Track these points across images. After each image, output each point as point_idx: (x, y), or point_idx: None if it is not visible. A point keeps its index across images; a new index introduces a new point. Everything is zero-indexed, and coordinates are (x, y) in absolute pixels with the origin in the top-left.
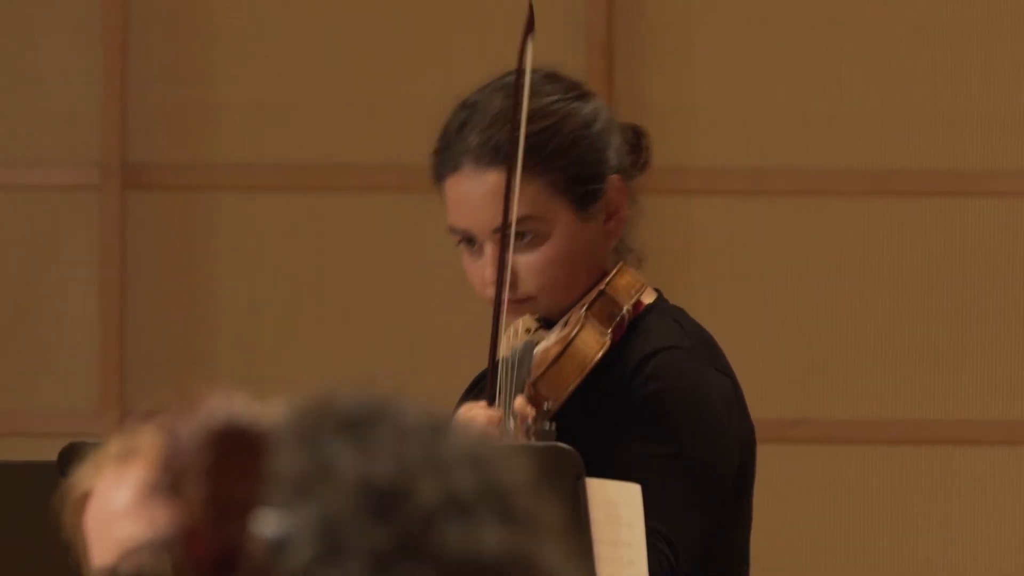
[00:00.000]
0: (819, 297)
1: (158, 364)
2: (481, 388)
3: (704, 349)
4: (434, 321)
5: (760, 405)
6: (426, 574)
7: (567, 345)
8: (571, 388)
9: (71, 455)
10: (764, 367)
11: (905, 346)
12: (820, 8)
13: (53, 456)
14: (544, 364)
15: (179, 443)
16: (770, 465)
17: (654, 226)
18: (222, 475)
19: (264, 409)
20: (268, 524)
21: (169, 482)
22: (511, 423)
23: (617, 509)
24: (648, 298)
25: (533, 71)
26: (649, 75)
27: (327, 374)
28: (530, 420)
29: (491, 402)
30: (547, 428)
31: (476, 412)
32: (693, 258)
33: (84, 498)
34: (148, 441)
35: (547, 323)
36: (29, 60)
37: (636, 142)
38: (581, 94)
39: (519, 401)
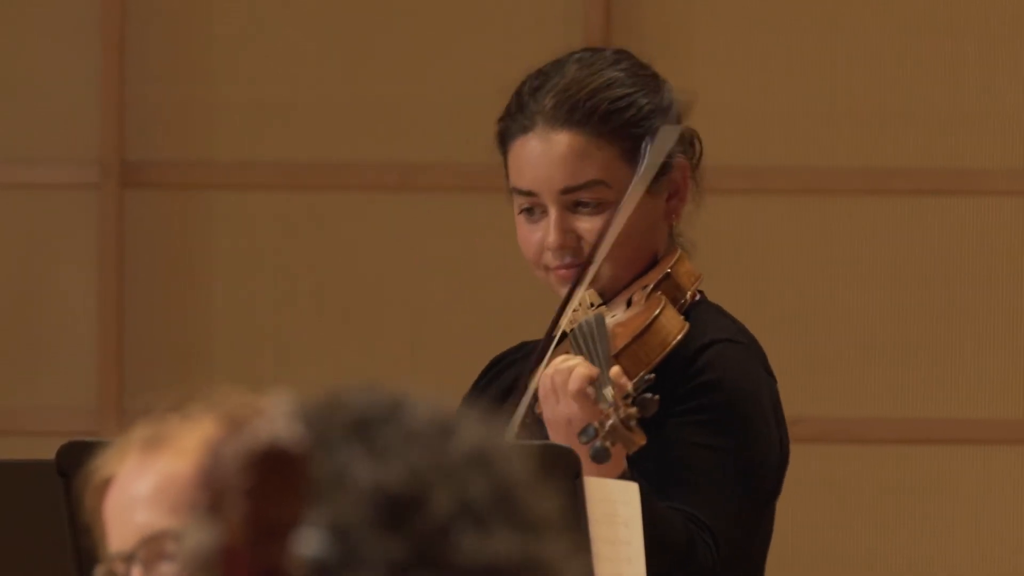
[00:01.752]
0: (816, 295)
1: (156, 363)
2: (504, 364)
3: (757, 348)
4: (433, 320)
5: None
6: None
7: (651, 321)
8: (653, 365)
9: (69, 454)
10: None
11: (902, 345)
12: (818, 7)
13: (51, 455)
14: (626, 338)
15: (221, 462)
16: None
17: None
18: (263, 495)
19: (268, 402)
20: (308, 544)
21: (210, 501)
22: (608, 389)
23: (615, 507)
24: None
25: (604, 48)
26: None
27: (326, 373)
28: (630, 388)
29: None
30: (649, 397)
31: (575, 363)
32: (690, 256)
33: (106, 483)
34: (175, 430)
35: (604, 301)
36: (27, 59)
37: (691, 141)
38: (654, 75)
39: (616, 370)
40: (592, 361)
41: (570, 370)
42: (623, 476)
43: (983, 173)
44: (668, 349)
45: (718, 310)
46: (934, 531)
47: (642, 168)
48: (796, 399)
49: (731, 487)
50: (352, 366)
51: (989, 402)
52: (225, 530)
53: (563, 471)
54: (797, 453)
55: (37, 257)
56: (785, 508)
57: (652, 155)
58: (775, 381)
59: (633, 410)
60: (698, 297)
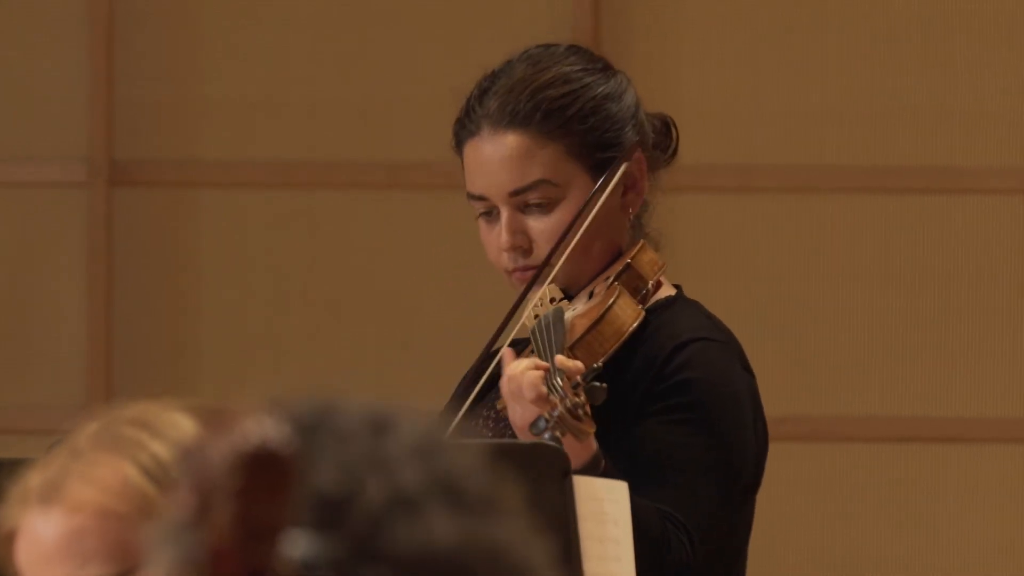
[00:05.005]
0: (806, 294)
1: (145, 361)
2: (482, 370)
3: (734, 345)
4: (424, 318)
5: None
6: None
7: (605, 311)
8: (608, 355)
9: None
10: (752, 364)
11: (893, 343)
12: (807, 7)
13: (40, 453)
14: (581, 329)
15: (208, 464)
16: None
17: None
18: (251, 497)
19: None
20: (296, 546)
21: (198, 504)
22: (558, 380)
23: (603, 506)
24: (669, 288)
25: (557, 44)
26: (635, 72)
27: (315, 371)
28: (578, 378)
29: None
30: (598, 385)
31: (524, 364)
32: (680, 255)
33: (11, 534)
34: (68, 477)
35: (567, 296)
36: (15, 57)
37: (664, 131)
38: (605, 67)
39: (562, 358)
40: (544, 355)
41: (521, 375)
42: (604, 473)
43: (974, 171)
44: (623, 338)
45: (696, 307)
46: (926, 529)
47: (613, 179)
48: (786, 397)
49: (707, 485)
50: (341, 364)
51: (981, 401)
52: (213, 532)
53: (552, 470)
54: (788, 451)
55: (26, 255)
56: (776, 506)
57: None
58: (753, 378)
59: (580, 399)
60: (669, 296)
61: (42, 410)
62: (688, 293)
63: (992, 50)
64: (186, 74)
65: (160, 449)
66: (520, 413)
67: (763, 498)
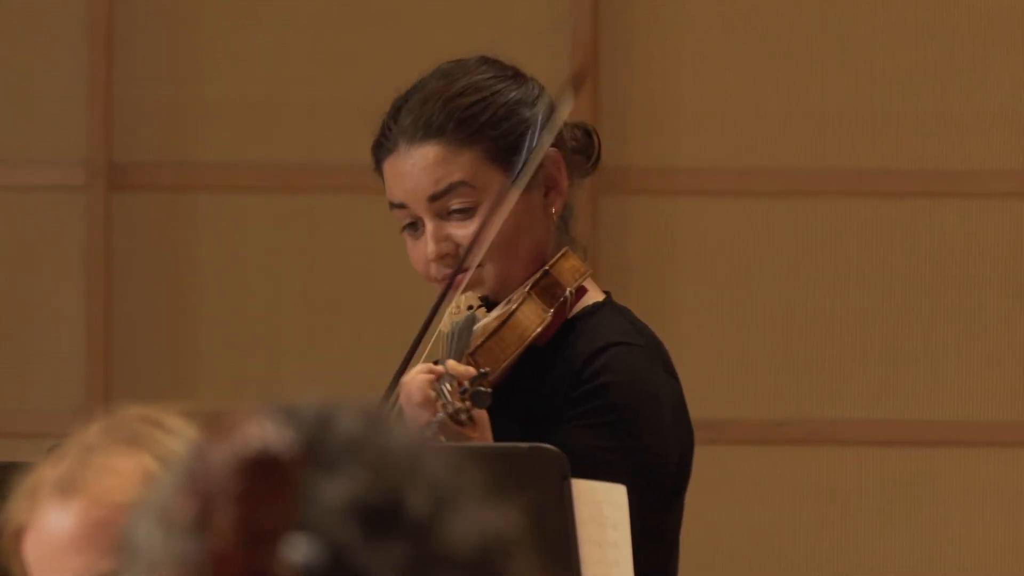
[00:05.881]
0: (804, 297)
1: (144, 364)
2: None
3: (656, 349)
4: (420, 321)
5: (745, 406)
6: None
7: (508, 318)
8: (509, 360)
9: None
10: (749, 368)
11: (889, 346)
12: (806, 9)
13: (38, 457)
14: (483, 335)
15: (209, 468)
16: (755, 466)
17: (639, 226)
18: (252, 501)
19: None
20: (298, 550)
21: (199, 507)
22: (447, 385)
23: (602, 509)
24: (597, 295)
25: (468, 58)
26: (634, 76)
27: (313, 374)
28: (467, 383)
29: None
30: (484, 390)
31: (417, 369)
32: (678, 258)
33: (20, 531)
34: (85, 471)
35: (489, 305)
36: (14, 60)
37: (586, 139)
38: (516, 75)
39: (452, 363)
40: (443, 360)
41: (411, 379)
42: None
43: (971, 175)
44: (525, 343)
45: (622, 312)
46: (920, 532)
47: (520, 169)
48: (782, 401)
49: (628, 488)
50: (341, 367)
51: (975, 404)
52: (214, 536)
53: (551, 473)
54: (784, 455)
55: (24, 259)
56: (771, 509)
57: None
58: (677, 381)
59: (464, 404)
60: (596, 302)
61: (41, 413)
62: (684, 296)
63: (992, 52)
64: (185, 76)
65: (176, 445)
66: (409, 416)
67: (759, 501)
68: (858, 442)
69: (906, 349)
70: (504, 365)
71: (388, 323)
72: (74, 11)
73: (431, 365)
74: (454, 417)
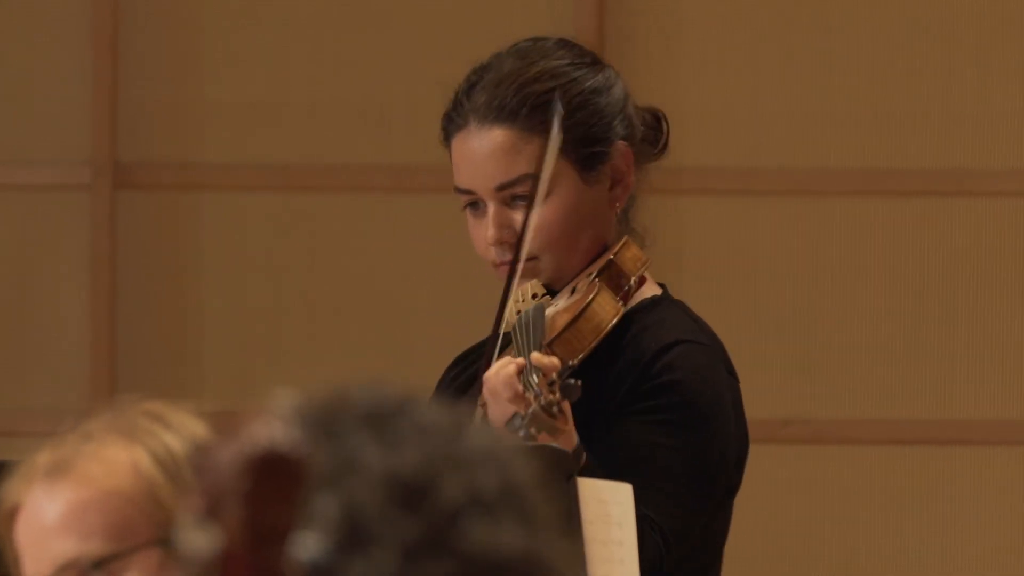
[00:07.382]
0: (809, 297)
1: (148, 363)
2: (468, 361)
3: (719, 349)
4: (424, 321)
5: (751, 405)
6: (450, 568)
7: (584, 308)
8: (586, 352)
9: None
10: (755, 367)
11: (895, 346)
12: (810, 8)
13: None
14: (560, 326)
15: (218, 468)
16: (761, 465)
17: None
18: (261, 500)
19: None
20: (306, 548)
21: (208, 506)
22: (534, 377)
23: (607, 508)
24: (654, 286)
25: (546, 38)
26: (639, 75)
27: (317, 374)
28: (554, 375)
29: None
30: (573, 383)
31: (502, 363)
32: (683, 257)
33: (13, 511)
34: (78, 454)
35: (551, 292)
36: (19, 60)
37: (655, 124)
38: (593, 62)
39: (537, 355)
40: (523, 352)
41: (497, 373)
42: (585, 468)
43: (976, 174)
44: (602, 335)
45: (682, 308)
46: (929, 532)
47: (551, 141)
48: (789, 400)
49: (685, 488)
50: (343, 367)
51: (983, 403)
52: (223, 535)
53: (557, 472)
54: (792, 454)
55: (29, 258)
56: (780, 508)
57: (555, 126)
58: (737, 381)
59: (555, 396)
60: (661, 292)
61: (45, 412)
62: (689, 295)
63: (996, 53)
64: (188, 77)
65: (172, 441)
66: (497, 411)
67: (765, 500)
68: (867, 441)
69: (914, 348)
70: (582, 356)
71: (389, 322)
72: (78, 12)
73: (513, 359)
74: (547, 409)
